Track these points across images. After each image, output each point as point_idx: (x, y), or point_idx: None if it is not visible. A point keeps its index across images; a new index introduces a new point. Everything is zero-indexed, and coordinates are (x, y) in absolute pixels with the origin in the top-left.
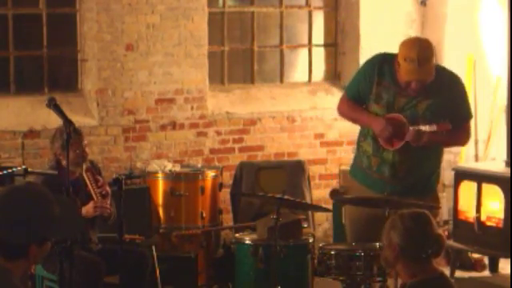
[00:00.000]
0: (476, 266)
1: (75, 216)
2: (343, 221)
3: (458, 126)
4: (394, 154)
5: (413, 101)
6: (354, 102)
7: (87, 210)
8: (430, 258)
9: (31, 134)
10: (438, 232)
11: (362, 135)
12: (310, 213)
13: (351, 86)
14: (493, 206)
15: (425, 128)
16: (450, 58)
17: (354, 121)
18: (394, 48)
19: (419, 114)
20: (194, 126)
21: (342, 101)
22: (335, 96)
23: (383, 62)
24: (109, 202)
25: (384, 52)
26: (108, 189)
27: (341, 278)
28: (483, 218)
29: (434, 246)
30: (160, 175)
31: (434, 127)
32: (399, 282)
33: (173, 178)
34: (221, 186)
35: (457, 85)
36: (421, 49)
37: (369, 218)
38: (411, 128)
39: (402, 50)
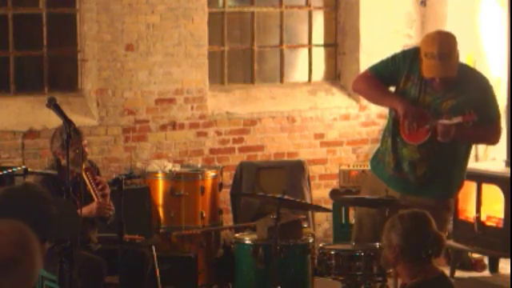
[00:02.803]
0: (476, 266)
1: (73, 216)
2: (342, 221)
3: (485, 122)
4: (414, 151)
5: (437, 100)
6: (377, 80)
7: (90, 210)
8: (430, 259)
9: (31, 133)
10: (438, 232)
11: (386, 129)
12: (309, 213)
13: (379, 67)
14: (493, 206)
15: (450, 121)
16: None
17: (374, 97)
18: (393, 48)
19: (442, 113)
20: (193, 125)
21: (362, 76)
22: (335, 96)
23: (416, 56)
24: (108, 201)
25: (413, 49)
26: (108, 190)
27: (341, 278)
28: (483, 218)
29: (433, 247)
30: (160, 175)
31: (459, 118)
32: (399, 282)
33: (173, 177)
34: (221, 186)
35: (485, 88)
36: (441, 43)
37: (374, 218)
38: (440, 121)
39: (422, 45)
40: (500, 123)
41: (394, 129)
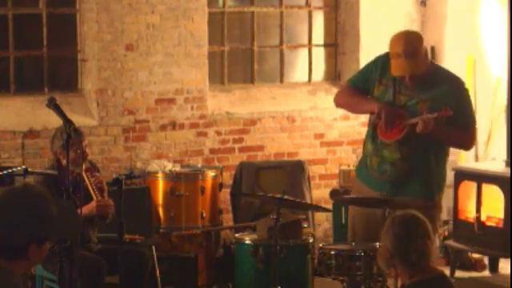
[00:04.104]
0: (476, 266)
1: (74, 216)
2: (342, 221)
3: (462, 127)
4: (394, 151)
5: (413, 100)
6: (355, 90)
7: (90, 208)
8: (423, 265)
9: (31, 133)
10: (423, 241)
11: (367, 135)
12: (310, 213)
13: (354, 78)
14: (493, 206)
15: (426, 116)
16: (450, 58)
17: (353, 106)
18: None
19: (420, 113)
20: (193, 125)
21: (341, 90)
22: None
23: (387, 60)
24: (106, 196)
25: (386, 53)
26: (105, 185)
27: (340, 278)
28: (483, 218)
29: (413, 255)
30: (160, 175)
31: (434, 114)
32: (399, 282)
33: (173, 177)
34: (221, 186)
35: (461, 90)
36: (406, 42)
37: (369, 217)
38: (416, 118)
39: (389, 46)
40: (475, 128)
41: (373, 132)
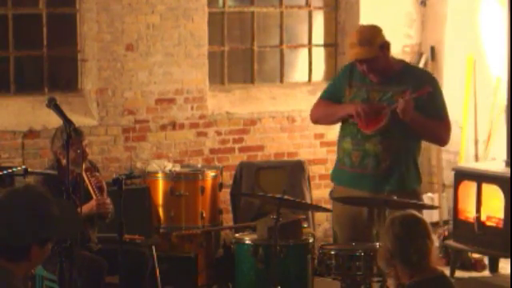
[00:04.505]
0: (476, 266)
1: (75, 216)
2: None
3: (436, 119)
4: (376, 143)
5: (387, 93)
6: (328, 101)
7: (89, 207)
8: (423, 265)
9: (31, 133)
10: (423, 241)
11: (341, 136)
12: (310, 213)
13: (326, 93)
14: (493, 206)
15: (407, 97)
16: (449, 58)
17: (330, 115)
18: (393, 48)
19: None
20: (194, 125)
21: (315, 105)
22: None
23: (353, 65)
24: (106, 196)
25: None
26: (104, 184)
27: (339, 278)
28: (483, 218)
29: (414, 256)
30: (160, 175)
31: (415, 94)
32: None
33: (173, 178)
34: (221, 186)
35: (432, 83)
36: (361, 32)
37: (354, 217)
38: (398, 102)
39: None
40: (449, 121)
41: (352, 129)
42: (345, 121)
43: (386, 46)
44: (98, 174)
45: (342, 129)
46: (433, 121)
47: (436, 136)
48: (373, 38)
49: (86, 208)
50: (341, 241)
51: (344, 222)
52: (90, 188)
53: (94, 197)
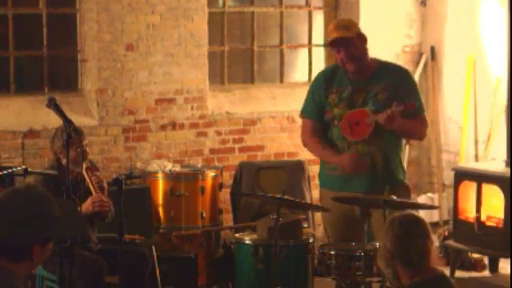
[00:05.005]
0: (476, 266)
1: (76, 216)
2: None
3: (414, 115)
4: (368, 143)
5: (370, 93)
6: (317, 130)
7: (86, 206)
8: (423, 265)
9: (31, 133)
10: (423, 242)
11: (331, 139)
12: (309, 213)
13: (307, 108)
14: (493, 206)
15: (394, 109)
16: (449, 58)
17: (318, 156)
18: (393, 48)
19: (382, 103)
20: (193, 125)
21: (304, 131)
22: None
23: (325, 73)
24: (106, 195)
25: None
26: (105, 184)
27: (334, 278)
28: (483, 218)
29: (414, 256)
30: (160, 175)
31: (401, 107)
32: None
33: (173, 178)
34: (221, 186)
35: (408, 78)
36: (337, 21)
37: (346, 218)
38: (382, 113)
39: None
40: (425, 115)
41: (339, 132)
42: (328, 124)
43: (362, 37)
44: (98, 173)
45: (330, 130)
46: (412, 121)
47: (415, 135)
48: (349, 24)
49: (84, 207)
50: (332, 240)
51: (336, 221)
52: (91, 187)
53: (95, 195)
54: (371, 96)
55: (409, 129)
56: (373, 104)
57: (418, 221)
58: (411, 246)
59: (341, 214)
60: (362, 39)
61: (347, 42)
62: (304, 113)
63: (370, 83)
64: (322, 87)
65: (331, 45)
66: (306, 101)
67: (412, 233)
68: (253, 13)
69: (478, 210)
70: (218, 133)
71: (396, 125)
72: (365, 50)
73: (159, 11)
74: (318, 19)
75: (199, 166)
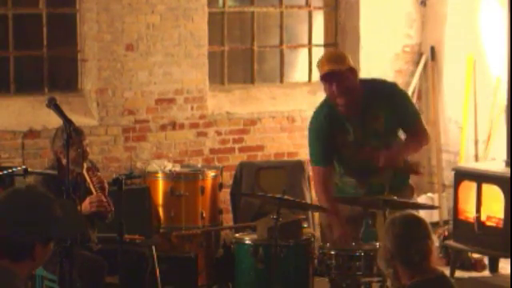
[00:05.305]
0: (476, 266)
1: (77, 216)
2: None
3: (412, 127)
4: (380, 176)
5: (370, 125)
6: (328, 177)
7: (84, 206)
8: (424, 265)
9: (31, 133)
10: (424, 242)
11: (340, 173)
12: (309, 213)
13: (319, 157)
14: (493, 206)
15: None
16: (450, 58)
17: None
18: (394, 48)
19: (383, 131)
20: (193, 125)
21: (317, 179)
22: None
23: (326, 119)
24: (106, 195)
25: (317, 108)
26: (106, 184)
27: (331, 278)
28: (483, 218)
29: (416, 256)
30: (160, 175)
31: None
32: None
33: (173, 178)
34: (221, 186)
35: (398, 93)
36: (329, 52)
37: (347, 219)
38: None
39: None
40: (423, 125)
41: (354, 165)
42: (338, 154)
43: (354, 70)
44: (99, 173)
45: (340, 165)
46: (409, 143)
47: (415, 152)
48: (341, 58)
49: (82, 207)
50: (330, 241)
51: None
52: (91, 187)
53: (94, 195)
54: (372, 128)
55: (407, 152)
56: (375, 139)
57: (419, 221)
58: (412, 246)
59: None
60: (353, 72)
61: (340, 75)
62: (315, 162)
63: (365, 115)
64: (328, 132)
65: (323, 78)
66: (313, 147)
67: (413, 233)
68: (253, 13)
69: (478, 210)
70: (218, 133)
71: (399, 162)
72: (356, 83)
73: (159, 11)
74: (318, 19)
75: (199, 165)
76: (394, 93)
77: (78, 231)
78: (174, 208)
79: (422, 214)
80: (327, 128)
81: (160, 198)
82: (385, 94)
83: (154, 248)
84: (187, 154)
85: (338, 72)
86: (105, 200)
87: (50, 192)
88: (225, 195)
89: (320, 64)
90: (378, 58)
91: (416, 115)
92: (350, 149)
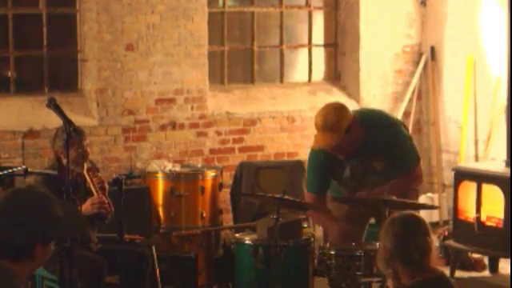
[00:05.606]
0: (476, 266)
1: (77, 216)
2: None
3: (407, 171)
4: (371, 171)
5: (369, 165)
6: (322, 201)
7: (85, 207)
8: (424, 264)
9: (31, 133)
10: (424, 239)
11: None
12: None
13: (318, 187)
14: (493, 206)
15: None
16: (450, 58)
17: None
18: (394, 48)
19: (383, 170)
20: (193, 125)
21: (314, 207)
22: (335, 96)
23: (325, 154)
24: (106, 196)
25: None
26: (106, 185)
27: (330, 278)
28: (483, 218)
29: (416, 253)
30: (160, 175)
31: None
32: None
33: (173, 178)
34: (221, 186)
35: (396, 136)
36: (324, 117)
37: (352, 217)
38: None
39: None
40: (416, 166)
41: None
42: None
43: (351, 129)
44: (99, 174)
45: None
46: (399, 183)
47: (407, 190)
48: (336, 123)
49: (83, 208)
50: (332, 240)
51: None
52: (92, 188)
53: (96, 196)
54: (370, 170)
55: (398, 191)
56: (374, 176)
57: (418, 219)
58: (412, 244)
59: (345, 214)
60: (351, 132)
61: (335, 149)
62: (314, 191)
63: (364, 156)
64: (328, 167)
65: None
66: (315, 180)
67: (412, 231)
68: (253, 13)
69: (478, 210)
70: (218, 133)
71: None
72: (353, 139)
73: (159, 11)
74: (318, 19)
75: (199, 165)
76: (394, 140)
77: (78, 231)
78: (174, 208)
79: (422, 214)
80: (325, 160)
81: (160, 198)
82: (385, 140)
83: (153, 248)
84: (187, 154)
85: (333, 147)
86: (106, 201)
87: (50, 192)
88: (225, 195)
89: (315, 128)
90: (378, 58)
91: (414, 161)
92: (347, 185)
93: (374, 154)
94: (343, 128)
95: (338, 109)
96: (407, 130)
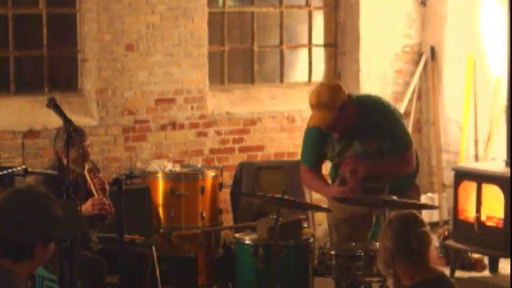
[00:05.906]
0: (476, 266)
1: (77, 216)
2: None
3: (398, 155)
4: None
5: (359, 146)
6: (314, 172)
7: (86, 207)
8: (425, 258)
9: (31, 133)
10: (422, 230)
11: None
12: (309, 213)
13: (308, 158)
14: (493, 206)
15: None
16: (450, 58)
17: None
18: (394, 48)
19: (375, 152)
20: (193, 125)
21: (304, 177)
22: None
23: (318, 130)
24: (107, 196)
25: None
26: (106, 186)
27: (334, 277)
28: (483, 218)
29: (415, 244)
30: (160, 175)
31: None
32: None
33: (173, 178)
34: (221, 186)
35: (388, 115)
36: (318, 95)
37: (354, 217)
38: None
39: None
40: (410, 151)
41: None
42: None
43: (344, 104)
44: (100, 174)
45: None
46: (390, 162)
47: (397, 173)
48: (331, 101)
49: (83, 208)
50: (337, 240)
51: (343, 222)
52: (92, 189)
53: (96, 197)
54: (362, 152)
55: (385, 169)
56: (367, 155)
57: (415, 215)
58: (411, 235)
59: (349, 213)
60: (344, 108)
61: (328, 126)
62: (305, 163)
63: (355, 137)
64: (323, 140)
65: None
66: (307, 151)
67: (411, 224)
68: (253, 13)
69: (478, 210)
70: (218, 133)
71: (361, 176)
72: (348, 115)
73: (159, 11)
74: (318, 19)
75: (199, 166)
76: (387, 121)
77: (78, 231)
78: (174, 208)
79: (422, 214)
80: (322, 137)
81: (160, 198)
82: (378, 121)
83: (153, 248)
84: (187, 154)
85: (326, 125)
86: (107, 202)
87: (50, 192)
88: (225, 195)
89: (310, 106)
90: (378, 58)
91: (407, 144)
92: (333, 160)
93: (366, 133)
94: (337, 106)
95: (332, 87)
96: (402, 117)
